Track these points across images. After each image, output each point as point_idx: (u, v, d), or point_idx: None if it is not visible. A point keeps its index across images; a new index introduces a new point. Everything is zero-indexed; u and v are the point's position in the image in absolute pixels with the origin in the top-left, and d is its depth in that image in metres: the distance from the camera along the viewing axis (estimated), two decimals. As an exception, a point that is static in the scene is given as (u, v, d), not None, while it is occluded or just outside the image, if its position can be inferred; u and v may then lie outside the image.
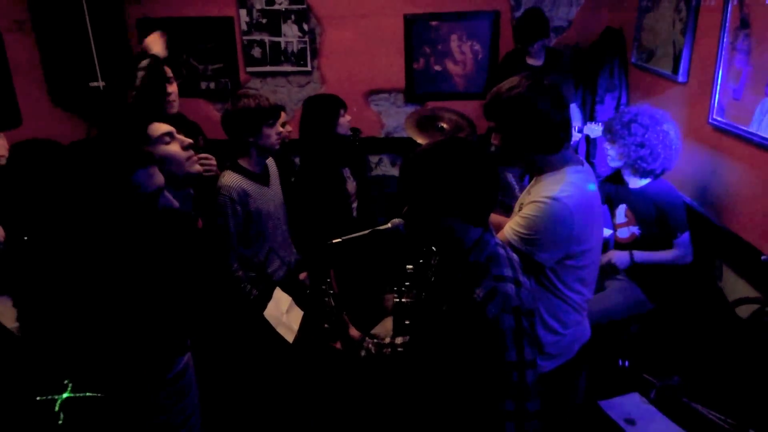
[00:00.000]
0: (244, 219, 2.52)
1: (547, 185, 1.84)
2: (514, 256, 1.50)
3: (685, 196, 2.90)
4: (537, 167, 1.90)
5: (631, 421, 2.33)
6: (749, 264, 2.50)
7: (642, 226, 2.73)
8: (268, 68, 4.51)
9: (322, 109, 3.08)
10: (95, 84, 4.11)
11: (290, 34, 4.41)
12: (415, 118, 3.51)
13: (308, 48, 4.44)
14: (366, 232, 1.63)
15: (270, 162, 2.70)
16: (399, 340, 1.81)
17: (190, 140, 2.03)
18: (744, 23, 2.48)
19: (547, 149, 1.82)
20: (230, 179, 2.48)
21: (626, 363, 2.73)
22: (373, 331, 2.40)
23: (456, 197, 1.40)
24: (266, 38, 4.43)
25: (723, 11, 2.61)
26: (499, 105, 1.80)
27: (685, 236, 2.66)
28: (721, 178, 2.74)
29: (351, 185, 3.28)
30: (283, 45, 4.44)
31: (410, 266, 2.34)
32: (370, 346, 1.82)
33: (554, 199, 1.78)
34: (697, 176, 2.90)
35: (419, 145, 3.51)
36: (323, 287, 1.77)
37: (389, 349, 1.82)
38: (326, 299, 1.75)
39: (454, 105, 4.12)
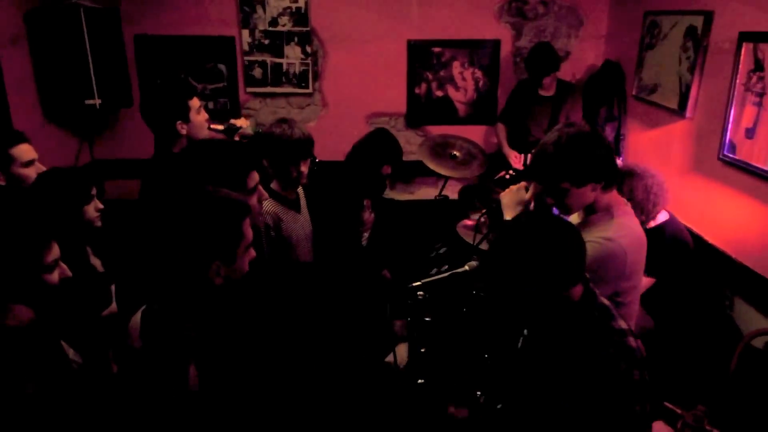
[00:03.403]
0: (276, 245, 2.49)
1: (600, 225, 1.89)
2: (607, 302, 1.55)
3: (694, 228, 3.02)
4: (588, 208, 1.95)
5: (660, 450, 2.39)
6: (764, 297, 2.62)
7: None
8: (268, 89, 4.47)
9: (383, 146, 3.05)
10: (91, 101, 3.98)
11: (292, 55, 4.39)
12: (429, 146, 3.54)
13: (310, 70, 4.43)
14: (444, 275, 1.64)
15: (299, 189, 2.68)
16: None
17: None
18: (759, 66, 2.62)
19: (608, 183, 1.86)
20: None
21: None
22: (387, 359, 2.40)
23: (555, 266, 1.44)
24: (268, 59, 4.40)
25: (736, 54, 2.74)
26: (560, 151, 1.82)
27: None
28: (732, 212, 2.86)
29: (368, 215, 3.27)
30: (285, 66, 4.42)
31: (417, 286, 2.36)
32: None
33: (609, 239, 1.84)
34: (708, 209, 3.02)
35: (433, 172, 3.56)
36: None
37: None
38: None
39: (455, 131, 4.18)
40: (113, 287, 2.30)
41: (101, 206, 2.33)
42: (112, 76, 4.08)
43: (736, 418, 2.42)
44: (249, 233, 1.54)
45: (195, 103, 2.57)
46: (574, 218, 2.02)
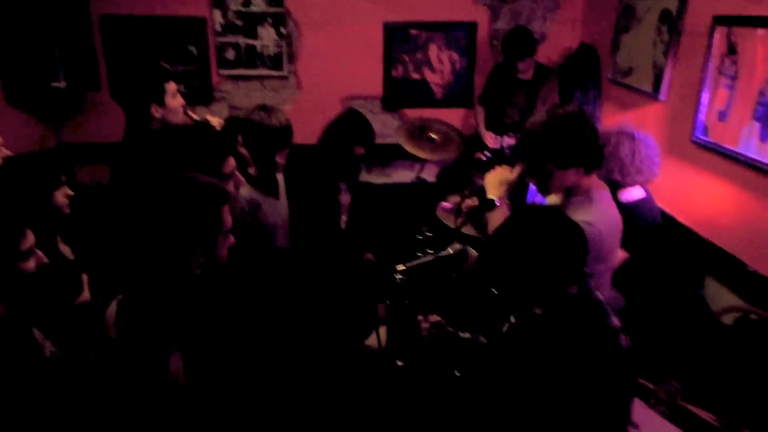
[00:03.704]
0: (253, 232, 2.45)
1: (580, 209, 1.90)
2: (601, 296, 1.56)
3: (666, 209, 3.07)
4: (567, 190, 1.96)
5: (634, 425, 2.45)
6: (734, 275, 2.68)
7: None
8: (242, 71, 4.38)
9: (357, 127, 3.02)
10: (57, 84, 3.85)
11: (266, 37, 4.30)
12: (406, 129, 3.52)
13: (284, 52, 4.35)
14: (430, 258, 1.63)
15: (279, 175, 2.64)
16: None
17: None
18: (731, 50, 2.65)
19: (590, 167, 1.88)
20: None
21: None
22: (369, 342, 2.41)
23: (562, 265, 1.45)
24: (241, 41, 4.30)
25: (709, 37, 2.78)
26: (548, 132, 1.83)
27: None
28: (704, 193, 2.92)
29: (344, 198, 3.24)
30: (258, 48, 4.33)
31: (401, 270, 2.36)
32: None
33: (589, 223, 1.85)
34: (680, 190, 3.08)
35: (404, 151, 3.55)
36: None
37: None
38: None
39: (432, 114, 4.18)
40: (85, 276, 2.24)
41: (71, 192, 2.25)
42: (79, 58, 3.94)
43: (708, 392, 2.49)
44: (228, 220, 1.51)
45: (171, 86, 2.51)
46: (554, 200, 2.03)
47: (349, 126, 3.06)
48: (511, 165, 2.16)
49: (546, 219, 1.51)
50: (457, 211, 2.35)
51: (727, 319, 2.67)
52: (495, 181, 2.05)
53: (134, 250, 1.52)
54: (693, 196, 3.00)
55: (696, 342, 2.74)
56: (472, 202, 2.21)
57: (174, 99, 2.52)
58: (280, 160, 2.49)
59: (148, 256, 1.49)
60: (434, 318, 1.91)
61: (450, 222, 2.63)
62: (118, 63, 4.23)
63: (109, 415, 1.45)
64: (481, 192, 2.07)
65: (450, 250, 1.64)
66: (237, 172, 1.82)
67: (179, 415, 1.42)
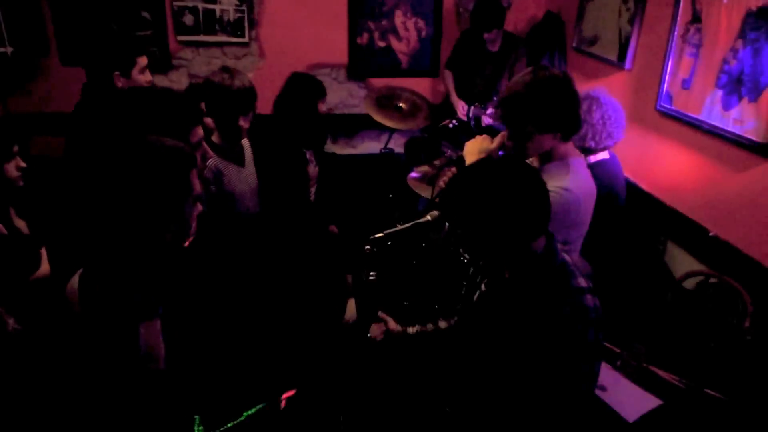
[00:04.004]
0: (218, 201, 2.38)
1: (557, 175, 1.90)
2: (568, 258, 1.54)
3: (631, 177, 3.13)
4: (544, 156, 1.96)
5: (602, 388, 2.52)
6: (695, 240, 2.77)
7: None
8: (201, 38, 4.20)
9: (306, 89, 2.93)
10: (2, 50, 3.62)
11: (226, 1, 4.13)
12: (373, 97, 3.46)
13: (246, 17, 4.19)
14: (407, 225, 1.61)
15: (245, 142, 2.56)
16: (443, 324, 1.82)
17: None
18: (696, 18, 2.68)
19: (568, 133, 1.87)
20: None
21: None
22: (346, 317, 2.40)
23: (523, 214, 1.40)
24: (199, 5, 4.12)
25: (675, 5, 2.80)
26: (531, 93, 1.80)
27: None
28: (667, 161, 2.98)
29: (313, 169, 3.18)
30: (218, 13, 4.15)
31: (368, 247, 2.35)
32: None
33: (566, 189, 1.85)
34: (644, 158, 3.13)
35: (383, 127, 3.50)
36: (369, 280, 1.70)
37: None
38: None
39: (398, 83, 4.12)
40: (44, 250, 2.13)
41: (23, 164, 2.13)
42: (25, 21, 3.71)
43: (671, 354, 2.58)
44: (196, 185, 1.44)
45: (143, 61, 2.42)
46: None
47: (300, 85, 2.99)
48: (475, 135, 2.14)
49: (503, 166, 1.47)
50: (430, 180, 2.33)
51: (689, 283, 2.76)
52: (474, 150, 2.02)
53: (97, 220, 1.45)
54: (656, 164, 3.06)
55: (659, 306, 2.83)
56: (451, 172, 2.19)
57: (141, 74, 2.44)
58: (243, 124, 2.41)
59: (112, 226, 1.41)
60: (380, 327, 1.91)
61: (425, 192, 2.61)
62: (68, 27, 3.99)
63: (79, 390, 1.39)
64: (460, 162, 2.05)
65: (428, 217, 1.62)
66: (204, 143, 1.75)
67: (155, 389, 1.38)
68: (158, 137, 1.38)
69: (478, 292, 1.64)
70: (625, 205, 2.82)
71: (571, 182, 1.85)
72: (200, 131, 1.70)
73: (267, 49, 4.32)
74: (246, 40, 4.25)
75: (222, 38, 4.23)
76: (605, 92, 2.62)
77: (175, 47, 4.22)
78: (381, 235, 1.56)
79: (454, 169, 2.22)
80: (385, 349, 1.91)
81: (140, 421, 1.35)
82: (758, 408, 2.24)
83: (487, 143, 2.08)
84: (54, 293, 1.85)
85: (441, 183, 2.30)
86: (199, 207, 1.45)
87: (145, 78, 2.47)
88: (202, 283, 1.54)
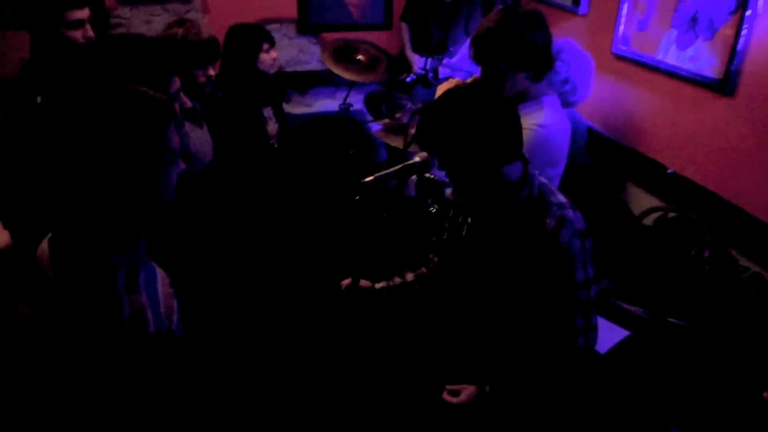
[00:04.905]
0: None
1: (531, 114, 1.91)
2: (544, 179, 1.57)
3: (590, 121, 3.19)
4: (519, 96, 1.95)
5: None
6: (654, 178, 2.86)
7: None
8: (139, -6, 3.94)
9: (242, 40, 2.81)
10: None
11: (164, -47, 3.88)
12: (330, 50, 3.36)
13: (186, -30, 3.95)
14: (397, 167, 1.58)
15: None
16: (410, 276, 1.82)
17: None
18: (651, -42, 2.71)
19: (540, 74, 1.87)
20: None
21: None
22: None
23: (496, 137, 1.40)
24: (135, -43, 3.85)
25: (629, -54, 2.81)
26: (503, 28, 1.79)
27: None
28: (625, 103, 3.05)
29: (272, 126, 3.08)
30: (156, -34, 3.90)
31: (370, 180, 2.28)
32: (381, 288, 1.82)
33: (541, 126, 1.87)
34: (602, 102, 3.19)
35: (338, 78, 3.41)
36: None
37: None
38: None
39: (351, 36, 4.01)
40: None
41: None
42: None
43: (636, 288, 2.69)
44: (176, 141, 1.35)
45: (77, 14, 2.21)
46: None
47: (241, 36, 2.87)
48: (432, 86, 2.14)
49: (474, 91, 1.49)
50: (397, 130, 2.29)
51: (648, 220, 2.87)
52: None
53: (65, 178, 1.34)
54: (615, 107, 3.12)
55: (622, 244, 2.93)
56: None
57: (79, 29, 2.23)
58: (212, 72, 2.29)
59: (82, 183, 1.31)
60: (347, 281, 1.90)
61: (395, 142, 2.58)
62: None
63: (60, 364, 1.31)
64: None
65: (417, 158, 1.60)
66: (182, 93, 1.65)
67: (142, 355, 1.31)
68: (134, 86, 1.27)
69: (465, 227, 1.64)
70: (585, 150, 2.89)
71: (545, 119, 1.87)
72: (178, 81, 1.60)
73: (211, 3, 4.10)
74: (188, -6, 4.02)
75: (162, -7, 3.98)
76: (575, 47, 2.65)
77: (111, 4, 3.94)
78: (371, 178, 1.52)
79: None
80: (356, 305, 1.89)
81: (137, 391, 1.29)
82: (718, 333, 2.37)
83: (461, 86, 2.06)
84: (18, 265, 1.74)
85: (412, 131, 2.27)
86: (181, 165, 1.37)
87: (83, 34, 2.28)
88: (183, 243, 1.47)
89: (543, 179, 1.57)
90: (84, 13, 2.28)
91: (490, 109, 1.41)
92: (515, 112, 1.46)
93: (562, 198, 1.53)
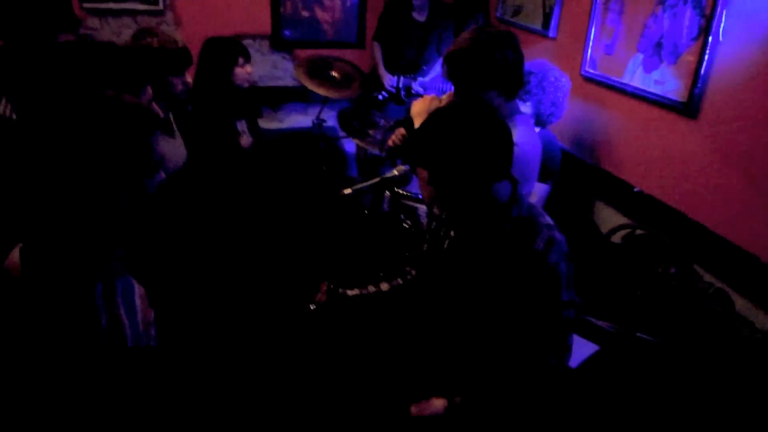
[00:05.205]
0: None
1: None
2: (532, 202, 1.59)
3: (560, 142, 3.27)
4: None
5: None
6: (622, 197, 2.94)
7: None
8: (110, 5, 3.90)
9: (218, 53, 2.80)
10: None
11: (136, -35, 3.85)
12: (305, 65, 3.37)
13: (159, -17, 3.93)
14: (375, 180, 1.58)
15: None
16: (384, 286, 1.82)
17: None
18: (618, -15, 2.82)
19: (511, 93, 1.91)
20: None
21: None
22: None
23: (491, 155, 1.42)
24: (106, -32, 3.81)
25: (597, -27, 2.93)
26: (475, 48, 1.82)
27: (548, 187, 2.85)
28: (593, 124, 3.14)
29: (246, 140, 3.06)
30: (128, -22, 3.87)
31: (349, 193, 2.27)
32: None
33: (515, 145, 1.90)
34: (571, 123, 3.28)
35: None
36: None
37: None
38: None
39: (323, 53, 4.03)
40: None
41: None
42: None
43: (605, 304, 2.75)
44: (160, 149, 1.33)
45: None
46: None
47: (216, 50, 2.87)
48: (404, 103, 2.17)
49: (463, 108, 1.49)
50: (381, 144, 2.31)
51: (616, 237, 2.94)
52: (423, 110, 2.03)
53: (43, 187, 1.30)
54: (583, 127, 3.21)
55: (590, 261, 3.00)
56: (399, 133, 2.18)
57: None
58: (190, 79, 2.27)
59: (66, 192, 1.28)
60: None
61: (375, 148, 2.59)
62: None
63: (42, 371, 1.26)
64: (408, 122, 2.04)
65: (395, 172, 1.61)
66: (154, 103, 1.62)
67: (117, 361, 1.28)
68: (116, 94, 1.25)
69: (447, 241, 1.65)
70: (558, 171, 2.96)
71: (518, 137, 1.90)
72: (150, 91, 1.57)
73: (184, 17, 4.09)
74: (160, 7, 4.00)
75: (133, 5, 3.95)
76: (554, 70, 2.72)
77: (79, 14, 3.88)
78: (350, 191, 1.52)
79: (402, 130, 2.22)
80: (328, 313, 1.87)
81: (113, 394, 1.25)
82: (684, 346, 2.43)
83: (435, 102, 2.10)
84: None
85: (390, 143, 2.29)
86: (162, 174, 1.34)
87: None
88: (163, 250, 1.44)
89: (530, 201, 1.59)
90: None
91: (486, 126, 1.43)
92: (509, 131, 1.48)
93: (549, 219, 1.55)
